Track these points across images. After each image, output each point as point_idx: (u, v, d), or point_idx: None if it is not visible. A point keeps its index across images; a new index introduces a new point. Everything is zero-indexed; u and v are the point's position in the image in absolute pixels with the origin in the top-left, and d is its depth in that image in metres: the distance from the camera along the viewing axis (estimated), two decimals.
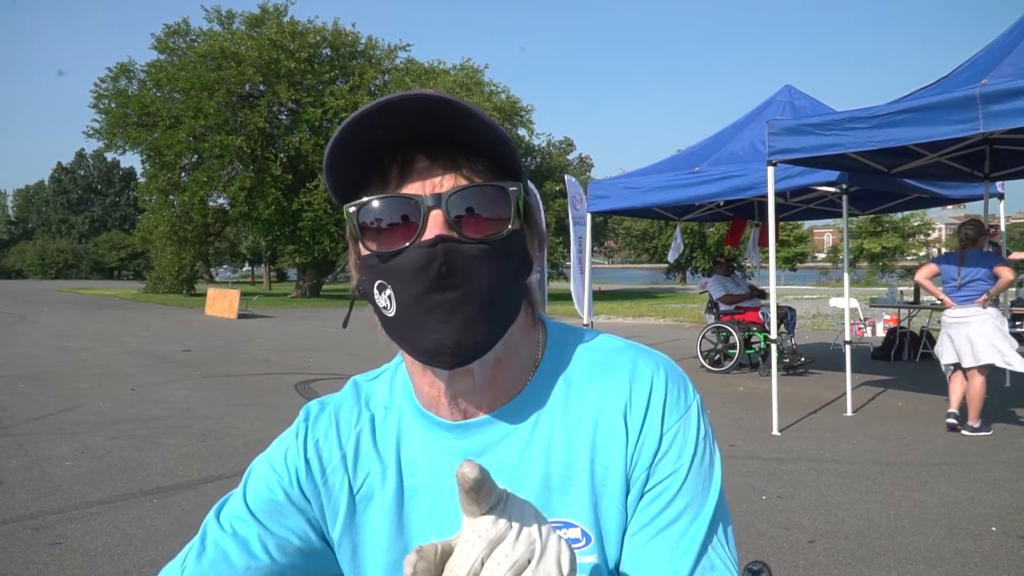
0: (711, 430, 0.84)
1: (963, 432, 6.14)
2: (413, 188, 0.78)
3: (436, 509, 0.86)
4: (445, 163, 0.78)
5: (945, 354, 6.40)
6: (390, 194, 0.78)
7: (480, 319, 0.77)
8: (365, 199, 0.79)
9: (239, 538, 0.85)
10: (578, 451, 0.83)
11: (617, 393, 0.83)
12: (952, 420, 6.28)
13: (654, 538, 0.79)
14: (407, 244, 0.77)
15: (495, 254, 0.78)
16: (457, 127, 0.77)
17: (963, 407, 6.27)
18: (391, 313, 0.79)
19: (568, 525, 0.81)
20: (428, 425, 0.88)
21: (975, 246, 6.27)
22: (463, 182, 0.78)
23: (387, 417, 0.92)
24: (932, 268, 6.48)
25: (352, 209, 0.80)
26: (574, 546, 0.77)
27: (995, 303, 6.24)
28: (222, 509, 0.89)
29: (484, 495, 0.60)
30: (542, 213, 8.61)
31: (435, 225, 0.76)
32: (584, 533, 0.80)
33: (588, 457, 0.82)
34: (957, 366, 6.33)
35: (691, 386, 0.86)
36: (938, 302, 10.92)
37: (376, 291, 0.80)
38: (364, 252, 0.81)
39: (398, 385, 0.94)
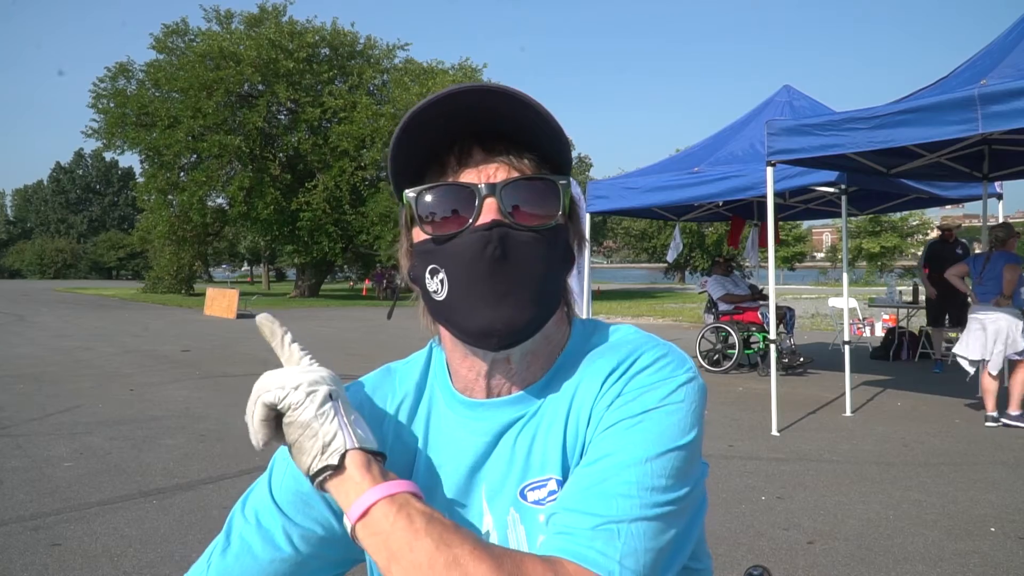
0: (695, 410, 0.82)
1: (1002, 421, 6.38)
2: (469, 177, 0.84)
3: (451, 485, 0.89)
4: (500, 156, 0.84)
5: (961, 347, 6.72)
6: (448, 182, 0.84)
7: (527, 305, 0.82)
8: (424, 186, 0.85)
9: (263, 530, 0.87)
10: (559, 421, 0.86)
11: (608, 364, 0.86)
12: (991, 423, 6.46)
13: (579, 472, 0.80)
14: (463, 228, 0.82)
15: (543, 243, 0.84)
16: (514, 122, 0.83)
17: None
18: (441, 296, 0.84)
19: (545, 483, 0.85)
20: (454, 405, 0.92)
21: (1004, 247, 6.63)
22: (515, 174, 0.84)
23: (420, 400, 0.96)
24: (963, 267, 6.95)
25: (411, 195, 0.85)
26: (552, 496, 0.83)
27: (1017, 300, 6.52)
28: (247, 500, 0.91)
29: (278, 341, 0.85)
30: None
31: (489, 211, 0.81)
32: (559, 483, 0.84)
33: (563, 420, 0.86)
34: (981, 364, 6.61)
35: (689, 369, 0.85)
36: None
37: (428, 275, 0.85)
38: (420, 237, 0.86)
39: (432, 370, 0.98)
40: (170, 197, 29.06)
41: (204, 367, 10.38)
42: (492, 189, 0.81)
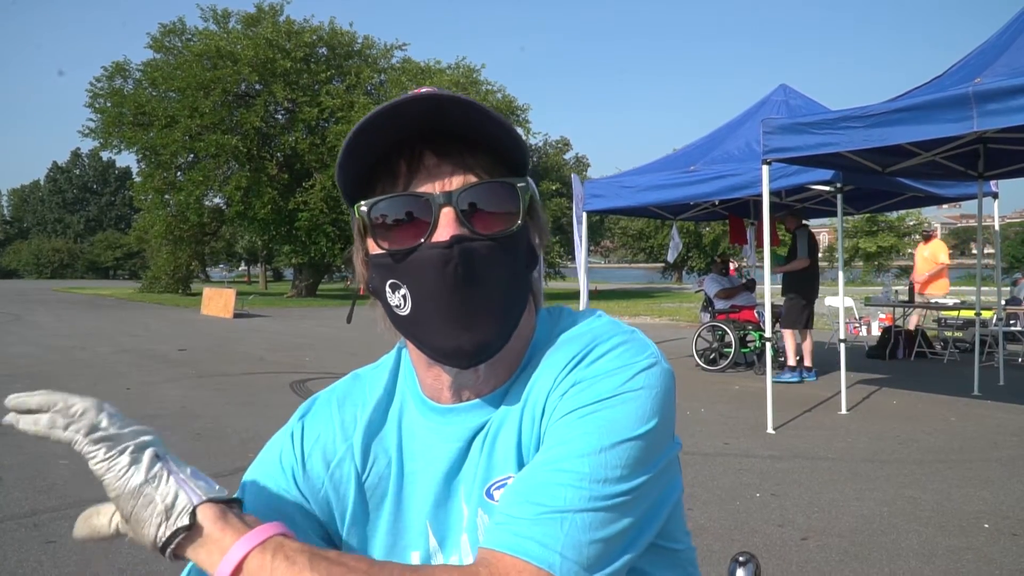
0: (656, 396, 0.78)
1: None
2: (423, 186, 0.79)
3: (430, 493, 0.87)
4: (454, 160, 0.80)
5: None
6: (401, 192, 0.79)
7: (495, 318, 0.79)
8: (377, 198, 0.80)
9: None
10: (515, 417, 0.84)
11: (565, 356, 0.83)
12: None
13: (530, 464, 0.78)
14: (420, 242, 0.78)
15: (506, 250, 0.80)
16: (464, 125, 0.78)
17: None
18: (405, 312, 0.81)
19: (506, 481, 0.82)
20: (425, 411, 0.90)
21: None
22: (472, 179, 0.79)
23: (390, 406, 0.94)
24: None
25: (364, 208, 0.81)
26: None
27: None
28: None
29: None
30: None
31: (447, 223, 0.77)
32: None
33: (518, 416, 0.83)
34: None
35: (651, 355, 0.82)
36: (932, 301, 11.07)
37: (388, 290, 0.82)
38: (375, 250, 0.82)
39: (400, 375, 0.96)
40: (167, 197, 28.98)
41: (200, 366, 10.36)
42: (448, 198, 0.77)
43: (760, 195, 6.69)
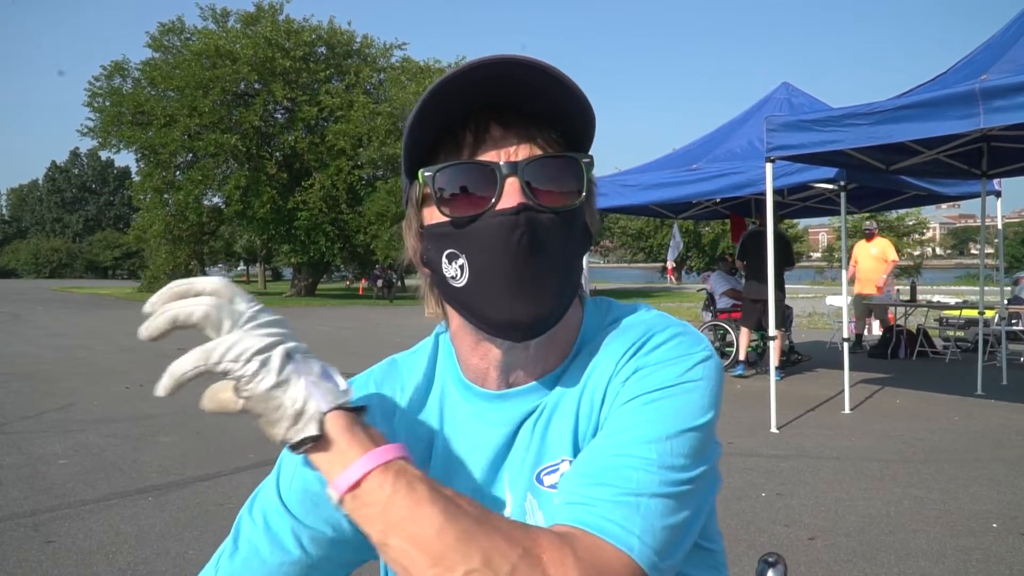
0: (712, 388, 0.78)
1: None
2: (488, 155, 0.78)
3: (473, 480, 0.86)
4: (519, 132, 0.79)
5: None
6: (467, 160, 0.78)
7: (552, 292, 0.78)
8: (441, 164, 0.79)
9: (271, 533, 0.84)
10: (572, 403, 0.83)
11: (623, 345, 0.82)
12: None
13: (594, 446, 0.77)
14: (484, 210, 0.76)
15: (567, 225, 0.79)
16: (536, 96, 0.77)
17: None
18: (461, 283, 0.79)
19: (558, 466, 0.82)
20: (469, 397, 0.88)
21: None
22: (537, 151, 0.79)
23: (431, 391, 0.92)
24: None
25: (427, 174, 0.79)
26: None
27: None
28: (255, 502, 0.87)
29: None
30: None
31: (512, 193, 0.76)
32: (571, 464, 0.81)
33: (576, 401, 0.83)
34: None
35: (706, 347, 0.81)
36: (934, 300, 11.05)
37: (445, 260, 0.80)
38: (435, 219, 0.81)
39: (440, 359, 0.94)
40: (166, 196, 28.94)
41: None
42: (514, 168, 0.76)
43: (763, 193, 6.65)
